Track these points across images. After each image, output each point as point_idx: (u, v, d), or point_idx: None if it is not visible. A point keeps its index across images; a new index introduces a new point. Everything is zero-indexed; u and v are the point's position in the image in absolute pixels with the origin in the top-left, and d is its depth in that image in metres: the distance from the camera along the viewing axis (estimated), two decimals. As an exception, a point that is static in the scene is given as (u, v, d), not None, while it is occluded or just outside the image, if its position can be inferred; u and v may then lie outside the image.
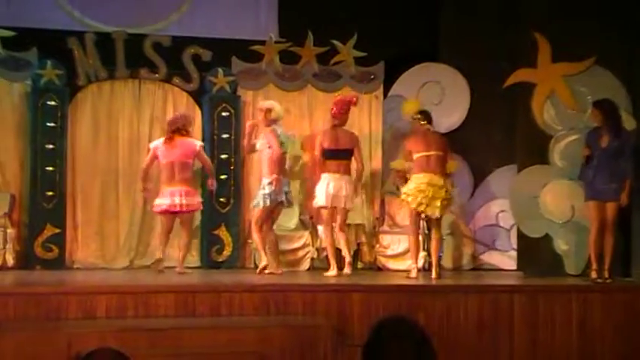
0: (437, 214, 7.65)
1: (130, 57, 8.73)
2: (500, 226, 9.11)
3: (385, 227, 9.00)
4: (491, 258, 9.10)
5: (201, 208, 8.19)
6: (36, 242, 8.35)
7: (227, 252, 8.78)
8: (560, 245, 8.37)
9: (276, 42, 9.08)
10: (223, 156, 8.82)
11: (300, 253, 8.75)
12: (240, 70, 9.04)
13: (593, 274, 7.55)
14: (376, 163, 9.23)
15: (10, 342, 5.46)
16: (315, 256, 8.75)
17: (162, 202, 7.88)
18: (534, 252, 8.44)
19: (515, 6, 8.73)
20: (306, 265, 8.73)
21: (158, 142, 8.08)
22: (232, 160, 8.85)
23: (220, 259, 8.75)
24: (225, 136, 8.85)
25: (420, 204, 7.61)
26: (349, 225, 8.59)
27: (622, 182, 7.52)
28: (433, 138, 7.89)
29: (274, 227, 8.11)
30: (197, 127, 8.69)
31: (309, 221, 8.86)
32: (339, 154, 7.97)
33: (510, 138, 8.94)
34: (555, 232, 8.37)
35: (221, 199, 8.76)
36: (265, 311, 6.34)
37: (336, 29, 9.02)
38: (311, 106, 9.21)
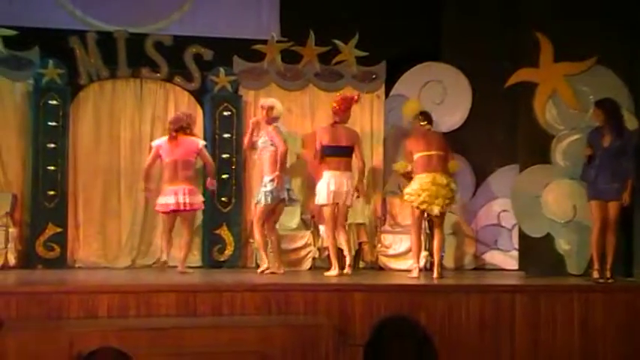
0: (439, 211, 7.64)
1: (132, 56, 8.75)
2: (502, 226, 9.11)
3: (387, 227, 9.00)
4: (492, 258, 9.10)
5: (203, 207, 8.19)
6: (38, 241, 8.37)
7: (228, 251, 8.79)
8: (562, 245, 8.37)
9: (277, 41, 9.08)
10: (225, 155, 8.83)
11: (302, 253, 8.75)
12: (241, 70, 9.05)
13: (595, 274, 7.54)
14: (378, 162, 9.24)
15: (13, 341, 5.47)
16: (317, 255, 8.76)
17: (166, 201, 7.88)
18: (536, 252, 8.44)
19: (517, 6, 8.74)
20: (307, 264, 8.73)
21: (160, 141, 8.09)
22: (234, 159, 8.86)
23: (222, 259, 8.76)
24: (226, 135, 8.86)
25: (423, 202, 7.62)
26: (350, 225, 8.61)
27: (624, 182, 7.52)
28: (433, 138, 7.92)
29: (276, 226, 8.12)
30: (198, 126, 8.69)
31: (310, 221, 8.86)
32: (339, 151, 7.98)
33: (512, 137, 8.94)
34: (557, 231, 8.37)
35: (223, 199, 8.77)
36: (267, 311, 6.34)
37: (338, 29, 9.02)
38: (313, 105, 9.22)
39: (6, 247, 8.15)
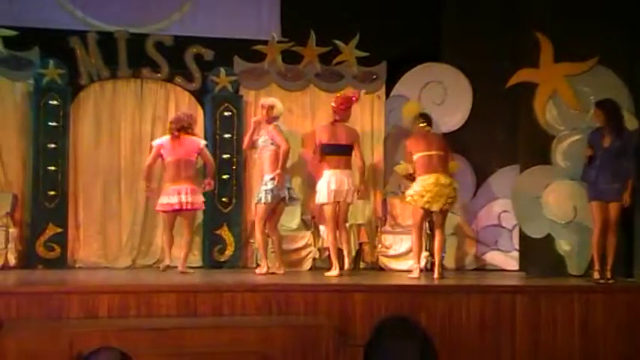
0: (443, 208, 7.65)
1: (132, 56, 8.74)
2: (502, 227, 9.10)
3: (387, 227, 8.99)
4: (493, 258, 9.09)
5: (204, 207, 8.19)
6: (38, 242, 8.36)
7: (229, 252, 8.78)
8: (563, 246, 8.36)
9: (278, 42, 9.08)
10: (225, 156, 8.83)
11: (302, 253, 8.74)
12: (242, 70, 9.05)
13: (596, 275, 7.54)
14: (378, 163, 9.23)
15: (13, 341, 5.47)
16: (317, 256, 8.76)
17: (170, 200, 7.88)
18: (536, 252, 8.43)
19: (517, 6, 8.73)
20: (308, 265, 8.73)
21: (162, 140, 8.10)
22: (234, 159, 8.86)
23: (222, 259, 8.75)
24: (227, 135, 8.86)
25: (426, 202, 7.63)
26: (351, 225, 8.61)
27: (624, 182, 7.52)
28: (433, 138, 7.96)
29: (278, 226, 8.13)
30: (199, 126, 8.69)
31: (310, 221, 8.86)
32: (338, 150, 8.00)
33: (513, 138, 8.93)
34: (558, 232, 8.36)
35: (223, 199, 8.77)
36: (267, 311, 6.34)
37: (339, 29, 9.02)
38: (313, 106, 9.21)
39: (6, 248, 8.15)
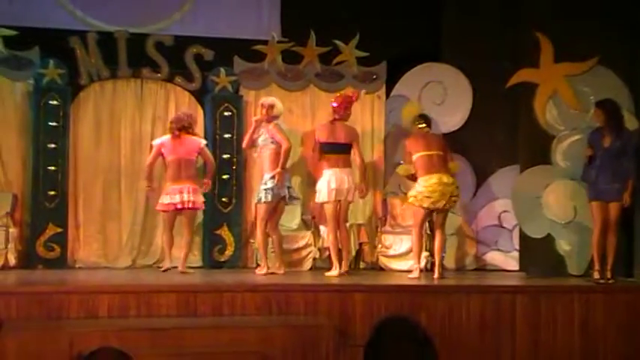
0: (445, 206, 7.66)
1: (133, 56, 8.74)
2: (502, 227, 9.10)
3: (387, 227, 8.99)
4: (493, 258, 9.09)
5: (204, 207, 8.19)
6: (38, 242, 8.36)
7: (229, 252, 8.78)
8: (563, 246, 8.36)
9: (278, 42, 9.08)
10: (225, 156, 8.83)
11: (303, 253, 8.74)
12: (242, 70, 9.04)
13: (596, 275, 7.54)
14: (378, 163, 9.23)
15: (13, 341, 5.47)
16: (317, 256, 8.76)
17: (171, 200, 7.89)
18: (537, 252, 8.44)
19: (517, 6, 8.74)
20: (308, 265, 8.72)
21: (162, 140, 8.11)
22: (235, 159, 8.86)
23: (222, 259, 8.75)
24: (227, 135, 8.85)
25: (432, 202, 7.64)
26: (351, 225, 8.61)
27: (625, 182, 7.53)
28: (432, 138, 7.98)
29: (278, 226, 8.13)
30: (199, 126, 8.69)
31: (311, 221, 8.86)
32: (337, 148, 8.01)
33: (513, 138, 8.93)
34: (558, 232, 8.36)
35: (223, 199, 8.77)
36: (267, 311, 6.35)
37: (339, 29, 9.02)
38: (313, 106, 9.21)
39: (6, 247, 8.14)
